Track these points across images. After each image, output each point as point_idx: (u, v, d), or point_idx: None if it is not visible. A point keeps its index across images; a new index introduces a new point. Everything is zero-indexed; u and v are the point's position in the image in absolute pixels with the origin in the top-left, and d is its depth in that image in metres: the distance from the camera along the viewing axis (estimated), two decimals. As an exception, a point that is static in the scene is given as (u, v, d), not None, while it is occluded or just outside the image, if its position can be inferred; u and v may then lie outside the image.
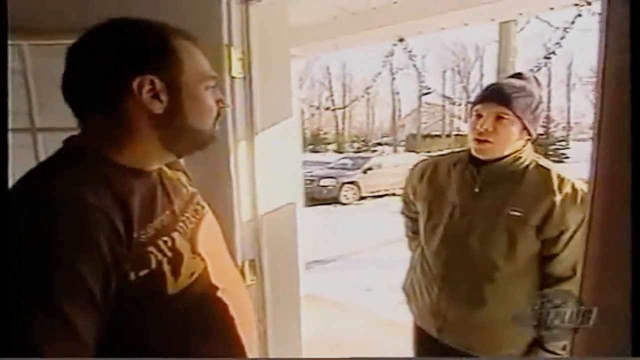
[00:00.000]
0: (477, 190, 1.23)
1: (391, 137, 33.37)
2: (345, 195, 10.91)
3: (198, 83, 0.71)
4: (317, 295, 3.55)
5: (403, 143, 31.46)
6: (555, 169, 1.22)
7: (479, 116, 1.21)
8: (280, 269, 1.43)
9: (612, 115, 0.65)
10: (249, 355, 0.80)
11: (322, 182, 10.90)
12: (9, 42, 0.66)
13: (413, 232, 1.53)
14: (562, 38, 3.58)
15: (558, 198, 1.14)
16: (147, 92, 0.65)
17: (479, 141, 1.20)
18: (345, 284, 4.50)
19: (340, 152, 27.90)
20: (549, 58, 3.97)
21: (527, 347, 1.22)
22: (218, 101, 0.75)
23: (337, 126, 34.81)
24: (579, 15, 2.97)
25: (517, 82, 1.22)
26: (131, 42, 0.66)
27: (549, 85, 26.79)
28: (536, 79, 1.27)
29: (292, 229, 1.49)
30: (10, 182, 0.62)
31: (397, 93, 30.64)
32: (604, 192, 0.68)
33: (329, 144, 34.62)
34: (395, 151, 27.55)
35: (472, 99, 1.29)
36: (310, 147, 32.18)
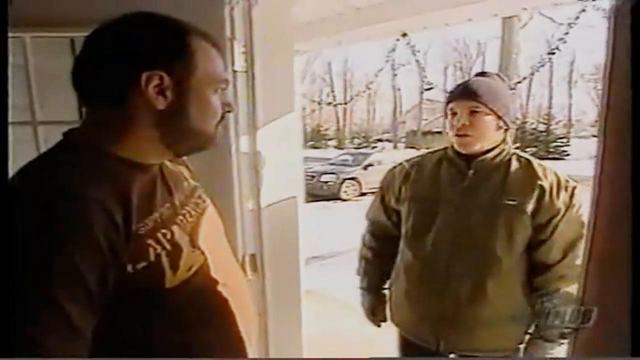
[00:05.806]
0: (466, 184, 1.26)
1: (392, 134, 33.31)
2: (345, 192, 10.90)
3: (208, 85, 0.70)
4: (316, 292, 3.54)
5: (403, 140, 31.41)
6: (534, 159, 1.29)
7: (454, 114, 1.27)
8: (281, 263, 1.44)
9: (617, 113, 0.64)
10: (249, 349, 0.80)
11: (323, 178, 10.90)
12: (11, 34, 0.65)
13: (376, 254, 1.49)
14: (566, 34, 3.54)
15: (546, 183, 1.21)
16: (153, 87, 0.65)
17: (458, 136, 1.26)
18: (344, 281, 4.50)
19: (341, 148, 27.80)
20: (553, 54, 3.94)
21: (528, 338, 1.25)
22: (225, 104, 0.75)
23: (337, 122, 34.71)
24: (583, 10, 2.95)
25: (483, 79, 1.31)
26: (148, 36, 0.66)
27: (550, 82, 26.63)
28: (499, 75, 1.36)
29: (293, 224, 1.49)
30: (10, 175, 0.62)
31: (399, 89, 30.43)
32: (609, 191, 0.67)
33: (330, 140, 34.49)
34: (395, 148, 27.50)
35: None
36: (311, 143, 32.12)
